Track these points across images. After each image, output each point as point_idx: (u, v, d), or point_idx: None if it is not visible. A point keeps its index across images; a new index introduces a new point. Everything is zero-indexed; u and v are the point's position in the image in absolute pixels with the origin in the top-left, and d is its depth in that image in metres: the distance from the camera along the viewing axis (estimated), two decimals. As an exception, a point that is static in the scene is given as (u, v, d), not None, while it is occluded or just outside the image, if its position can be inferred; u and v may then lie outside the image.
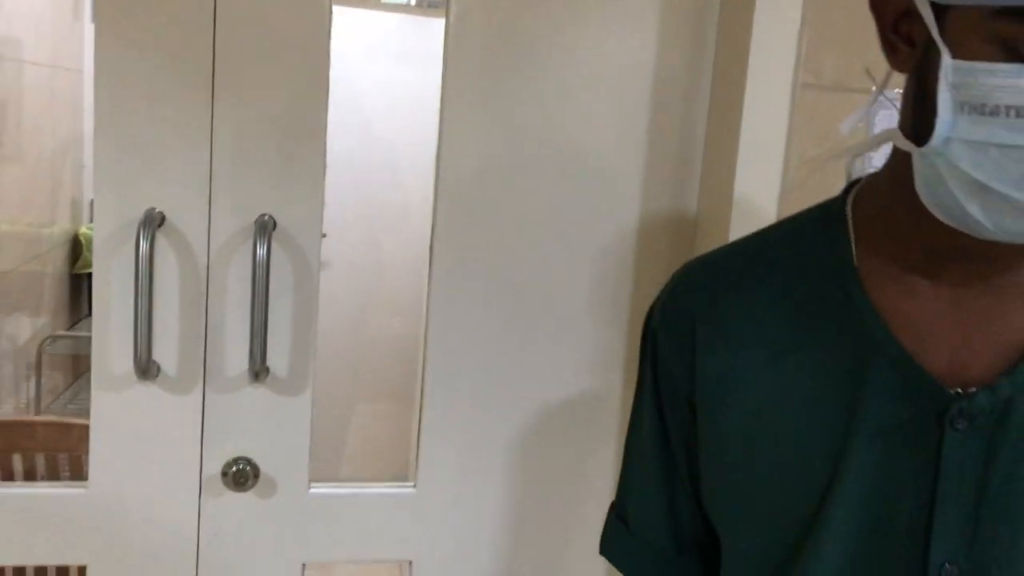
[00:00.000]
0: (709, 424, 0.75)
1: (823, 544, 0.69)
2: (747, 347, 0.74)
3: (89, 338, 1.20)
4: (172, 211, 1.18)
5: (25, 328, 2.70)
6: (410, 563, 1.33)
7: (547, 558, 1.35)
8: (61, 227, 2.96)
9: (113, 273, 1.19)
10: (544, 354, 1.30)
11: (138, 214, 1.16)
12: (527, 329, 1.29)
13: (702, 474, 0.78)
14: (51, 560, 1.26)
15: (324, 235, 1.25)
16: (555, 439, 1.33)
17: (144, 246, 1.14)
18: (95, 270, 1.19)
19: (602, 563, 0.91)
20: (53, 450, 1.70)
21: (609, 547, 0.89)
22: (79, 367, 2.90)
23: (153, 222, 1.16)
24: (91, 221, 3.05)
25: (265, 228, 1.19)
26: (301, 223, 1.21)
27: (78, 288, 3.02)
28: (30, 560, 1.27)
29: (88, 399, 1.22)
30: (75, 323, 2.98)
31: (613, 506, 0.89)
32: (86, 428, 1.23)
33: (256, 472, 1.25)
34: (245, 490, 1.25)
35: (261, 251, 1.17)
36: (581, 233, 1.28)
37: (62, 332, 2.87)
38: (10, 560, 1.25)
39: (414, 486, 1.31)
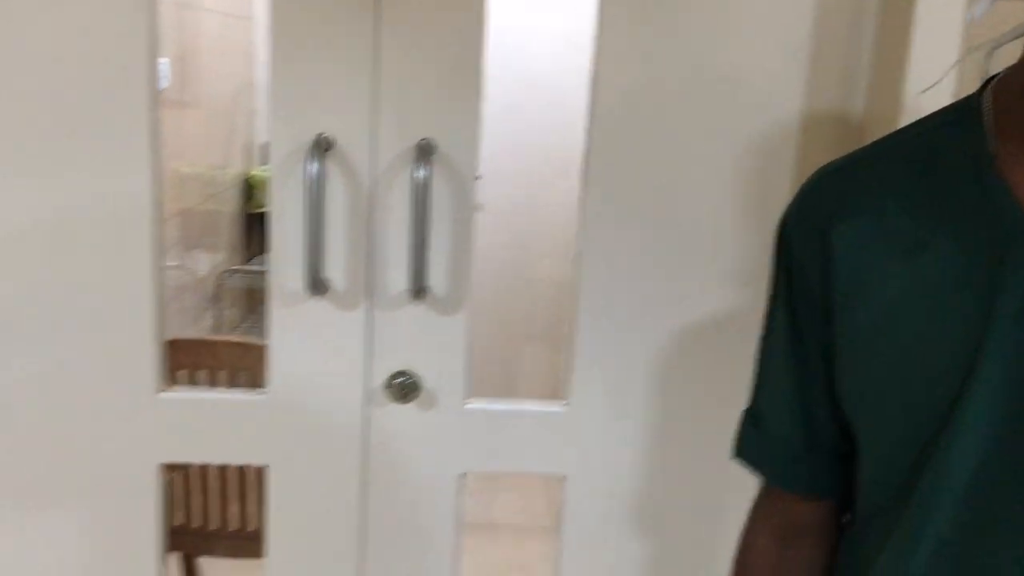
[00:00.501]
0: (845, 322, 0.75)
1: (964, 431, 0.68)
2: (881, 244, 0.73)
3: (262, 273, 1.29)
4: (339, 136, 1.25)
5: (204, 263, 2.89)
6: (564, 477, 1.38)
7: (694, 475, 1.37)
8: (235, 169, 3.14)
9: (287, 196, 1.27)
10: (696, 272, 1.31)
11: (309, 139, 1.23)
12: (680, 249, 1.30)
13: (838, 374, 0.78)
14: (234, 459, 1.37)
15: (479, 177, 1.29)
16: (705, 356, 1.33)
17: (313, 169, 1.22)
18: (272, 192, 1.27)
19: (751, 480, 0.92)
20: (233, 368, 1.84)
21: (742, 449, 0.90)
22: (253, 301, 3.09)
23: (322, 146, 1.23)
24: (261, 164, 3.22)
25: (425, 152, 1.24)
26: (459, 147, 1.26)
27: (251, 227, 3.21)
28: (215, 458, 1.38)
29: (262, 330, 1.32)
30: (249, 259, 3.17)
31: (746, 411, 0.90)
32: (263, 349, 1.33)
33: (417, 385, 1.32)
34: (407, 402, 1.33)
35: (421, 174, 1.22)
36: (738, 155, 1.27)
37: (238, 267, 3.06)
38: (197, 458, 1.37)
39: (567, 405, 1.35)
